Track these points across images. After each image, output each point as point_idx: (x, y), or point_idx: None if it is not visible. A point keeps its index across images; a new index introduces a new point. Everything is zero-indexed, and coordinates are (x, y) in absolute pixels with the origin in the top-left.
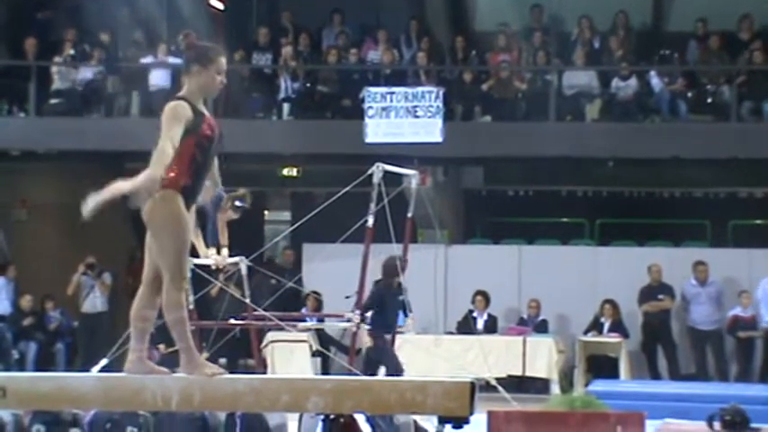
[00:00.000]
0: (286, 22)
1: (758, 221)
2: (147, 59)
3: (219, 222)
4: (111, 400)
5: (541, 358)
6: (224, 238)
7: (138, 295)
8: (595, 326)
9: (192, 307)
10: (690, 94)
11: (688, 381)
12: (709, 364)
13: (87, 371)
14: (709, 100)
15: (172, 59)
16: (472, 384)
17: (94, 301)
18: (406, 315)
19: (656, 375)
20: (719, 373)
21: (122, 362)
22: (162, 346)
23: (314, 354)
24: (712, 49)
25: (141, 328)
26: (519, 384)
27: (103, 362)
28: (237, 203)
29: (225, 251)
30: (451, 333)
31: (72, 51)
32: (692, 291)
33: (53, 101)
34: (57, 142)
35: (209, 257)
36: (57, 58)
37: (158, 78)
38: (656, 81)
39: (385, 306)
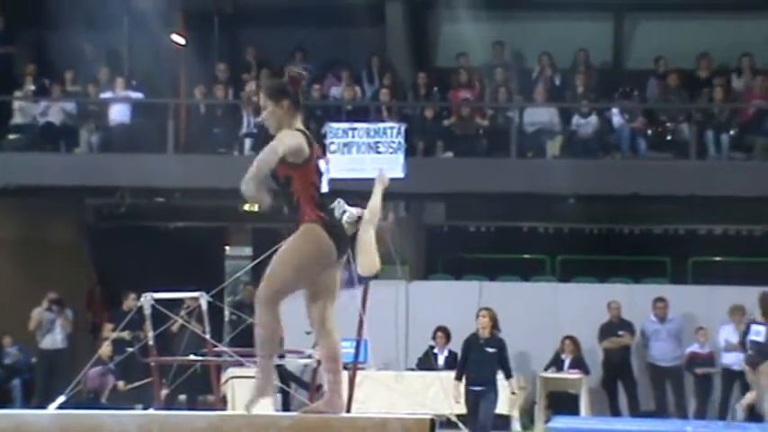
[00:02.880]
0: (250, 57)
1: (717, 258)
2: (107, 94)
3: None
4: None
5: (503, 394)
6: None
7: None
8: (556, 362)
9: (151, 343)
10: (649, 132)
11: (648, 417)
12: (668, 401)
13: (45, 408)
14: (669, 137)
15: (132, 94)
16: (432, 421)
17: (54, 338)
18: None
19: (616, 412)
20: (679, 409)
21: (80, 398)
22: (121, 383)
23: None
24: (671, 87)
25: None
26: None
27: (61, 399)
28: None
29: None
30: (412, 369)
31: (32, 86)
32: (651, 327)
33: (12, 136)
34: (15, 177)
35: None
36: (17, 93)
37: (118, 114)
38: (617, 119)
39: None
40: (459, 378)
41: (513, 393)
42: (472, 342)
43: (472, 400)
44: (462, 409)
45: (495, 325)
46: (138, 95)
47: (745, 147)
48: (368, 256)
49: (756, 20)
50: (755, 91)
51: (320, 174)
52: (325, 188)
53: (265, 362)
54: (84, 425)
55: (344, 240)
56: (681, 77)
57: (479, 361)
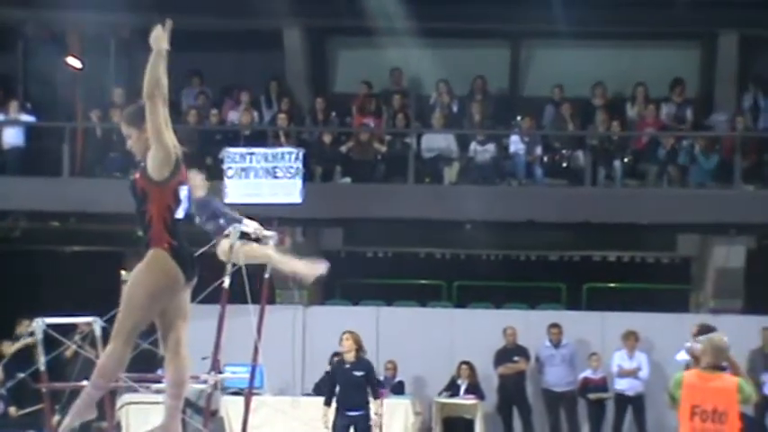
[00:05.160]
0: None
1: (611, 284)
2: None
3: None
4: None
5: (398, 420)
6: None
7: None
8: (452, 387)
9: (43, 368)
10: (545, 159)
11: None
12: (562, 426)
13: None
14: (565, 164)
15: (24, 117)
16: None
17: None
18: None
19: None
20: None
21: None
22: (13, 409)
23: None
24: (565, 115)
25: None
26: None
27: None
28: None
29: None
30: (309, 395)
31: None
32: (546, 353)
33: None
34: None
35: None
36: None
37: (12, 137)
38: (518, 146)
39: None
40: (327, 404)
41: (377, 414)
42: (338, 367)
43: (345, 424)
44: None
45: (359, 347)
46: (30, 119)
47: (639, 174)
48: (300, 268)
49: (650, 49)
50: (648, 119)
51: (178, 200)
52: (180, 215)
53: (96, 392)
54: None
55: (191, 265)
56: (576, 105)
57: (348, 385)
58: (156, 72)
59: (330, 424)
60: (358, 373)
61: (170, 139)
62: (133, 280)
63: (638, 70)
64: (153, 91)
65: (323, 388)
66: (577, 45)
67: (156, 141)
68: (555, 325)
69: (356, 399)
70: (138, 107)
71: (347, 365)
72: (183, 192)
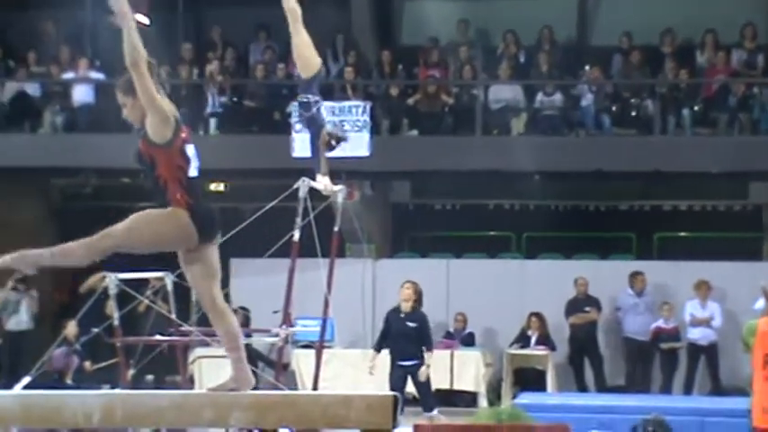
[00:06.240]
0: (215, 37)
1: (682, 234)
2: (69, 75)
3: (320, 152)
4: (31, 418)
5: (468, 371)
6: (325, 166)
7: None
8: (522, 338)
9: (117, 323)
10: (614, 108)
11: (614, 393)
12: (638, 375)
13: (10, 389)
14: (633, 113)
15: (94, 74)
16: (395, 397)
17: (20, 319)
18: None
19: (582, 388)
20: (645, 383)
21: (46, 378)
22: (88, 363)
23: None
24: (634, 64)
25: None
26: (447, 398)
27: (26, 380)
28: (333, 143)
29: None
30: None
31: None
32: (630, 301)
33: None
34: None
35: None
36: None
37: (82, 94)
38: (586, 96)
39: None
40: (377, 350)
41: (427, 366)
42: (393, 316)
43: (399, 374)
44: (375, 381)
45: (418, 299)
46: (100, 76)
47: (710, 122)
48: (304, 59)
49: None
50: (719, 67)
51: (187, 158)
52: (194, 173)
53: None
54: (46, 405)
55: (209, 224)
56: (645, 54)
57: (399, 335)
58: (131, 39)
59: (375, 371)
60: (411, 324)
61: (163, 101)
62: (147, 217)
63: (707, 16)
64: (134, 57)
65: None
66: None
67: (150, 106)
68: (638, 273)
69: (409, 349)
70: (131, 76)
71: (402, 315)
72: (191, 150)
